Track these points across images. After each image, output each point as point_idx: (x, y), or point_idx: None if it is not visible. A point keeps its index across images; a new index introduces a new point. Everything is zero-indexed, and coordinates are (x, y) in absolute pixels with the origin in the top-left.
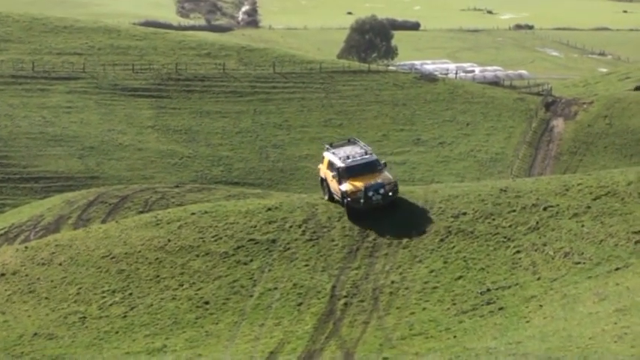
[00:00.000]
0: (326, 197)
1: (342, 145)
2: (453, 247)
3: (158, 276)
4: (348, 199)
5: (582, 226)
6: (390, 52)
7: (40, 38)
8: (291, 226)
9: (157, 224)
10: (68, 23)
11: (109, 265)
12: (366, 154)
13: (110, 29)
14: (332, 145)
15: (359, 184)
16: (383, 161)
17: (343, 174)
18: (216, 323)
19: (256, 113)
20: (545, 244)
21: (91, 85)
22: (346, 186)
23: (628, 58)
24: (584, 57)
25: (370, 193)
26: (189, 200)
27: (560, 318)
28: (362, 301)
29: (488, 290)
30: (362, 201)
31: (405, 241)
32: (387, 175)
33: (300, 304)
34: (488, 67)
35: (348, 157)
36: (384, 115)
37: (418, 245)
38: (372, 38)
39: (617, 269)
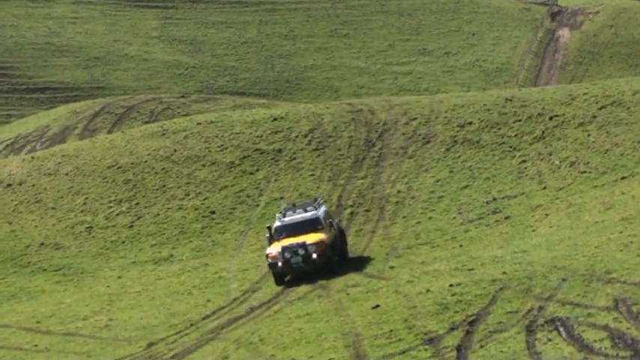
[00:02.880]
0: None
1: (300, 206)
2: (459, 156)
3: (164, 186)
4: (269, 261)
5: (588, 135)
6: None
7: None
8: (296, 136)
9: (163, 134)
10: None
11: (116, 175)
12: (306, 211)
13: None
14: (294, 205)
15: (280, 245)
16: (330, 219)
17: (276, 233)
18: (223, 233)
19: (262, 23)
20: (550, 154)
21: None
22: (271, 247)
23: None
24: None
25: (287, 255)
26: (194, 110)
27: (566, 227)
28: (368, 210)
29: (494, 199)
30: (279, 264)
31: (410, 150)
32: (320, 236)
33: None
34: None
35: (285, 216)
36: (390, 25)
37: (424, 155)
38: None
39: (622, 178)
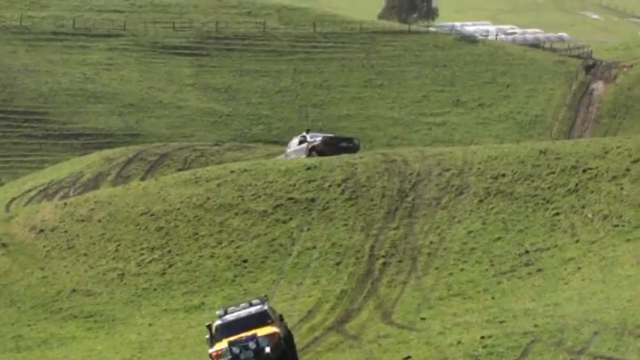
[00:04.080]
0: None
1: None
2: (492, 208)
3: (197, 234)
4: None
5: (621, 188)
6: (431, 13)
7: None
8: (330, 186)
9: (196, 182)
10: None
11: (148, 222)
12: (251, 305)
13: None
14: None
15: (226, 341)
16: (279, 315)
17: (217, 333)
18: (255, 282)
19: (296, 72)
20: (584, 207)
21: (131, 43)
22: (214, 348)
23: None
24: (625, 20)
25: (236, 350)
26: (228, 158)
27: (599, 280)
28: (400, 261)
29: (527, 252)
30: None
31: (443, 201)
32: (272, 329)
33: (338, 264)
34: (529, 30)
35: (227, 313)
36: (424, 76)
37: (457, 206)
38: None
39: None
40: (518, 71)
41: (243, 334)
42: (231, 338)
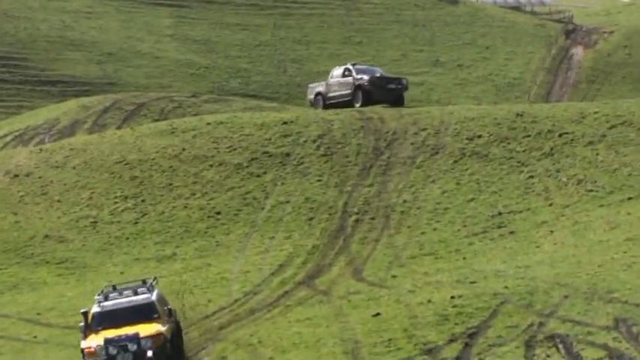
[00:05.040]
0: None
1: (128, 289)
2: (467, 169)
3: (171, 184)
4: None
5: (597, 154)
6: None
7: None
8: (305, 141)
9: (172, 132)
10: None
11: (123, 171)
12: (136, 293)
13: None
14: (114, 288)
15: (102, 337)
16: (168, 307)
17: (94, 323)
18: (227, 234)
19: (276, 27)
20: (558, 171)
21: None
22: (88, 340)
23: None
24: None
25: (113, 351)
26: (205, 110)
27: (570, 244)
28: (373, 218)
29: (500, 214)
30: None
31: (418, 160)
32: (158, 327)
33: (311, 219)
34: None
35: (107, 299)
36: (404, 35)
37: (432, 166)
38: None
39: (629, 198)
40: (498, 33)
41: (124, 332)
42: (109, 335)
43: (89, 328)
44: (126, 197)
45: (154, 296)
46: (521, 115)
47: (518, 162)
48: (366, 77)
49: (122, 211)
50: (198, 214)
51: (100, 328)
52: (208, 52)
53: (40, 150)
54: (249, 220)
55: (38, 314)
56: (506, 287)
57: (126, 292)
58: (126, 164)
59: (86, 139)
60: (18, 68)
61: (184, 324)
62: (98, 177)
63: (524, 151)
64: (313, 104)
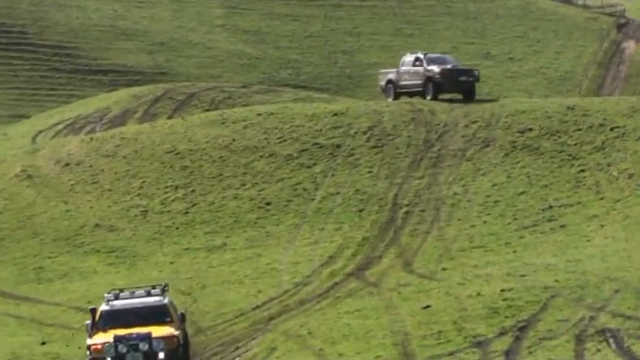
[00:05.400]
0: None
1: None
2: (518, 162)
3: (221, 174)
4: (92, 356)
5: None
6: None
7: None
8: (356, 132)
9: (223, 123)
10: None
11: (173, 160)
12: (149, 295)
13: None
14: (121, 292)
15: (111, 334)
16: (181, 312)
17: (101, 321)
18: (277, 225)
19: (327, 18)
20: (609, 165)
21: None
22: (96, 337)
23: None
24: None
25: (122, 349)
26: (255, 101)
27: (621, 239)
28: (423, 210)
29: (550, 207)
30: None
31: (469, 153)
32: (171, 330)
33: (361, 211)
34: None
35: (118, 298)
36: (455, 27)
37: (482, 158)
38: None
39: None
40: (550, 27)
41: (135, 330)
42: (119, 332)
43: (96, 326)
44: (176, 187)
45: (166, 299)
46: (573, 109)
47: (569, 155)
48: (437, 69)
49: (172, 200)
50: (248, 204)
51: (107, 327)
52: (259, 42)
53: (91, 139)
54: (299, 211)
55: (88, 302)
56: (556, 281)
57: (138, 293)
58: (176, 154)
59: (137, 129)
60: (69, 57)
61: (193, 329)
62: (149, 166)
63: (575, 144)
64: (384, 91)
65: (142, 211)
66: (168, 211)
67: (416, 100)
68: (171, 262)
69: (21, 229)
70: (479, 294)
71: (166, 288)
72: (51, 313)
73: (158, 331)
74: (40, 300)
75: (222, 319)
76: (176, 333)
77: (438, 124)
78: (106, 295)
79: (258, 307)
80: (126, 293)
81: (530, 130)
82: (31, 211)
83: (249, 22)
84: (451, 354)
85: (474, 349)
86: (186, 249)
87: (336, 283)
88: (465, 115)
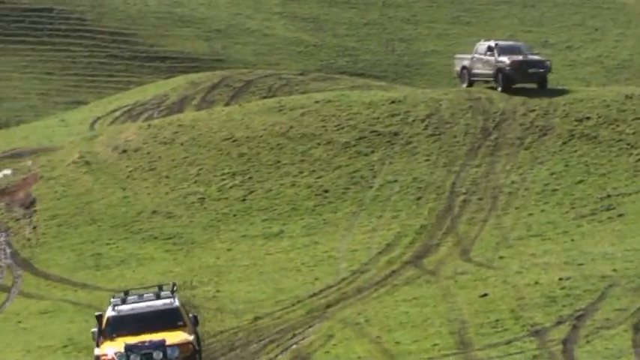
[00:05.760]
0: None
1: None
2: (575, 150)
3: (278, 162)
4: None
5: None
6: None
7: None
8: (414, 120)
9: (280, 110)
10: None
11: (231, 148)
12: (158, 298)
13: None
14: (126, 294)
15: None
16: (194, 315)
17: (109, 328)
18: (335, 212)
19: (384, 6)
20: None
21: None
22: (104, 347)
23: None
24: None
25: (135, 359)
26: (313, 88)
27: None
28: (481, 199)
29: (609, 196)
30: None
31: (527, 141)
32: (185, 336)
33: (419, 199)
34: None
35: (125, 302)
36: (513, 16)
37: (540, 147)
38: None
39: None
40: (608, 15)
41: (146, 337)
42: (129, 340)
43: (104, 335)
44: (233, 174)
45: (177, 301)
46: (631, 98)
47: (628, 144)
48: (507, 60)
49: (230, 187)
50: (305, 192)
51: (116, 334)
52: (316, 30)
53: (149, 126)
54: (356, 199)
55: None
56: (614, 270)
57: (147, 296)
58: (234, 141)
59: (194, 116)
60: (127, 44)
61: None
62: (206, 153)
63: (633, 133)
64: (459, 77)
65: (199, 198)
66: (226, 198)
67: (474, 88)
68: (228, 249)
69: (79, 215)
70: (536, 282)
71: (175, 288)
72: (108, 300)
73: (172, 337)
74: (98, 286)
75: (279, 306)
76: (190, 338)
77: (496, 113)
78: (111, 299)
79: (315, 294)
80: (133, 296)
81: (588, 118)
82: (88, 198)
83: (307, 9)
84: (508, 343)
85: (531, 338)
86: (244, 236)
87: (393, 271)
88: (522, 104)
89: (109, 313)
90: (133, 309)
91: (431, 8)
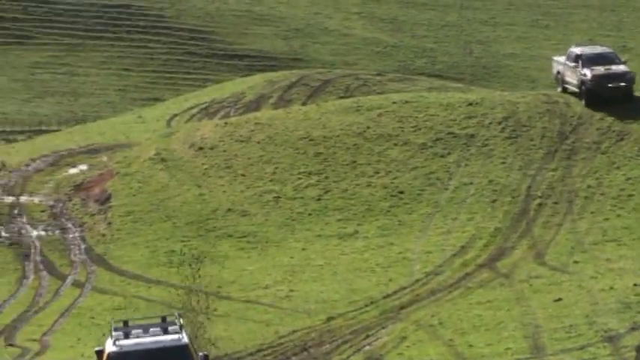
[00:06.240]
0: None
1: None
2: None
3: (355, 162)
4: None
5: None
6: None
7: None
8: (490, 123)
9: (357, 110)
10: None
11: (307, 147)
12: (165, 332)
13: None
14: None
15: None
16: (205, 353)
17: None
18: (410, 213)
19: (463, 8)
20: None
21: None
22: None
23: None
24: None
25: None
26: (390, 89)
27: None
28: (556, 203)
29: None
30: None
31: (604, 146)
32: None
33: (494, 201)
34: None
35: (128, 336)
36: (591, 20)
37: (617, 152)
38: None
39: None
40: None
41: None
42: None
43: None
44: (309, 173)
45: (186, 337)
46: None
47: None
48: (589, 73)
49: (305, 187)
50: (381, 192)
51: None
52: (395, 30)
53: (226, 123)
54: (432, 201)
55: (219, 287)
56: None
57: (152, 330)
58: (310, 140)
59: (271, 114)
60: (205, 41)
61: None
62: (282, 152)
63: None
64: (556, 80)
65: (274, 197)
66: (301, 197)
67: (552, 91)
68: (302, 249)
69: (154, 212)
70: (611, 288)
71: (182, 322)
72: (181, 298)
73: None
74: (171, 284)
75: (352, 306)
76: None
77: (573, 117)
78: (113, 331)
79: (388, 295)
80: (137, 329)
81: None
82: (164, 195)
83: (386, 9)
84: (582, 348)
85: (605, 344)
86: (318, 235)
87: (467, 274)
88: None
89: (110, 348)
90: (137, 344)
91: (509, 11)
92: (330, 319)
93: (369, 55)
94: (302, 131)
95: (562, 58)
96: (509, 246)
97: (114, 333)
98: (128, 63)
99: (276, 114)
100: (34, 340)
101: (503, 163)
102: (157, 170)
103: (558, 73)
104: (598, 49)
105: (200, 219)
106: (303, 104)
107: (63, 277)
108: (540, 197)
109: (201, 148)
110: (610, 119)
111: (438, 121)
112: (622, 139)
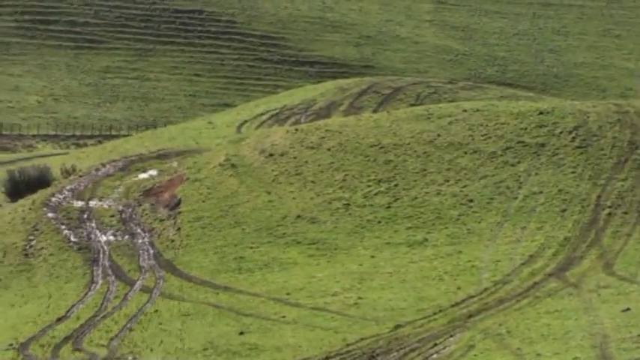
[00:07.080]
0: None
1: None
2: None
3: (425, 170)
4: None
5: None
6: None
7: None
8: (561, 132)
9: (428, 118)
10: None
11: (377, 154)
12: None
13: None
14: None
15: None
16: None
17: None
18: (479, 222)
19: (535, 17)
20: None
21: None
22: None
23: None
24: None
25: None
26: (461, 97)
27: None
28: (626, 212)
29: None
30: None
31: None
32: None
33: (563, 211)
34: None
35: None
36: None
37: None
38: None
39: None
40: None
41: None
42: None
43: None
44: (379, 181)
45: None
46: None
47: None
48: None
49: (375, 194)
50: (450, 200)
51: None
52: (466, 38)
53: (296, 130)
54: (501, 209)
55: (287, 294)
56: None
57: None
58: (380, 148)
59: (342, 121)
60: (276, 48)
61: None
62: (352, 159)
63: None
64: None
65: (344, 204)
66: (371, 205)
67: (623, 101)
68: (371, 256)
69: (223, 217)
70: None
71: None
72: (249, 304)
73: None
74: (239, 290)
75: (420, 314)
76: None
77: None
78: None
79: (457, 304)
80: None
81: None
82: (233, 201)
83: (458, 17)
84: None
85: None
86: (387, 243)
87: (535, 283)
88: None
89: None
90: None
91: (581, 20)
92: (397, 326)
93: (440, 63)
94: (372, 139)
95: None
96: (578, 255)
97: None
98: (199, 68)
99: (347, 121)
100: (102, 345)
101: (573, 172)
102: (227, 176)
103: None
104: None
105: (269, 225)
106: (374, 111)
107: (131, 283)
108: (610, 207)
109: (271, 155)
110: None
111: (508, 130)
112: None
